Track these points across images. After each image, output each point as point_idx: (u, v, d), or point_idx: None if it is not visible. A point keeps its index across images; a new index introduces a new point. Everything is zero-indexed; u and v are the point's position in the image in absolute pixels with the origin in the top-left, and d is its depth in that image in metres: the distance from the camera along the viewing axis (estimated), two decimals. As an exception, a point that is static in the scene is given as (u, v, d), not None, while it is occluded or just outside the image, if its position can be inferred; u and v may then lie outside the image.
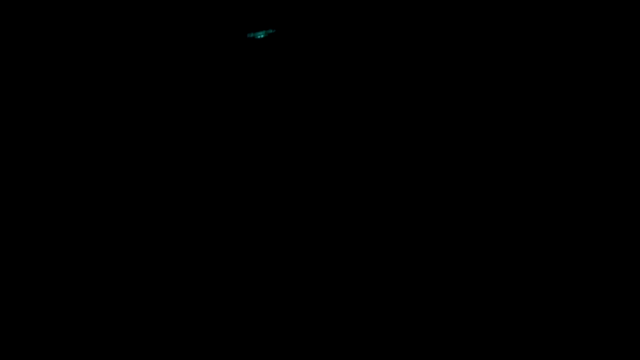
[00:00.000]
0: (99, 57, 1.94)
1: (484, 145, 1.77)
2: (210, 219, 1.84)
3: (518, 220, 1.71)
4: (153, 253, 1.81)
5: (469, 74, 1.81)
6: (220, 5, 1.97)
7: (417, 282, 1.70)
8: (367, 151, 1.84)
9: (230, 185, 1.86)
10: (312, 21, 1.96)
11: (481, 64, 1.80)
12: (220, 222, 1.83)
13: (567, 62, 1.77)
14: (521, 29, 1.79)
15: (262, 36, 1.97)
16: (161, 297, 1.77)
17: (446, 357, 1.62)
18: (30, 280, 1.79)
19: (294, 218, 1.81)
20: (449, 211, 1.75)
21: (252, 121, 1.91)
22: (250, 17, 1.98)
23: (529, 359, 1.58)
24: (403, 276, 1.72)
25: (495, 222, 1.72)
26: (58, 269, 1.80)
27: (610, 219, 1.67)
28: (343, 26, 1.94)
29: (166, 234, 1.83)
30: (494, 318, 1.64)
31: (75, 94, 1.92)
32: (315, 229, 1.79)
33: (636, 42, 1.71)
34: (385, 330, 1.67)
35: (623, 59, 1.72)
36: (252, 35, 1.97)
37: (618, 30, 1.73)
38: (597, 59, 1.75)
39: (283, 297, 1.74)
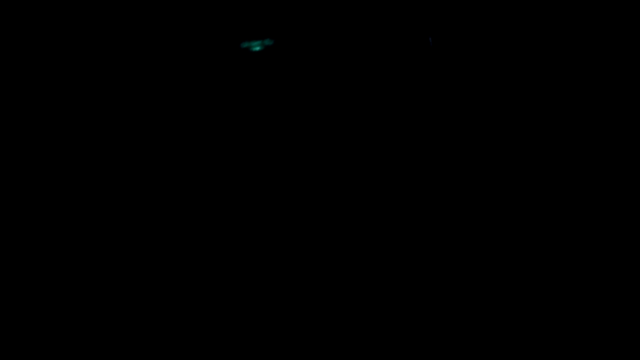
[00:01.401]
0: (95, 61, 1.86)
1: (487, 145, 1.77)
2: (209, 221, 1.79)
3: (516, 219, 1.71)
4: (153, 252, 1.77)
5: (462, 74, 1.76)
6: (211, 8, 1.74)
7: (416, 282, 1.69)
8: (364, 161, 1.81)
9: (229, 189, 1.82)
10: (317, 31, 1.74)
11: (487, 65, 1.81)
12: (220, 222, 1.79)
13: (566, 62, 1.77)
14: (520, 29, 1.79)
15: (257, 48, 1.72)
16: (160, 296, 1.73)
17: (446, 357, 1.61)
18: (30, 280, 1.74)
19: (292, 222, 1.78)
20: (449, 211, 1.74)
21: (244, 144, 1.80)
22: (245, 23, 1.74)
23: (528, 359, 1.59)
24: (402, 275, 1.70)
25: (494, 221, 1.72)
26: (58, 269, 1.75)
27: (610, 218, 1.68)
28: (352, 37, 1.76)
29: (167, 233, 1.78)
30: (493, 317, 1.63)
31: (69, 101, 1.85)
32: (316, 229, 1.76)
33: (636, 42, 1.73)
34: (384, 329, 1.65)
35: (623, 59, 1.74)
36: (246, 45, 1.74)
37: (618, 30, 1.75)
38: (596, 59, 1.76)
39: (282, 296, 1.71)
